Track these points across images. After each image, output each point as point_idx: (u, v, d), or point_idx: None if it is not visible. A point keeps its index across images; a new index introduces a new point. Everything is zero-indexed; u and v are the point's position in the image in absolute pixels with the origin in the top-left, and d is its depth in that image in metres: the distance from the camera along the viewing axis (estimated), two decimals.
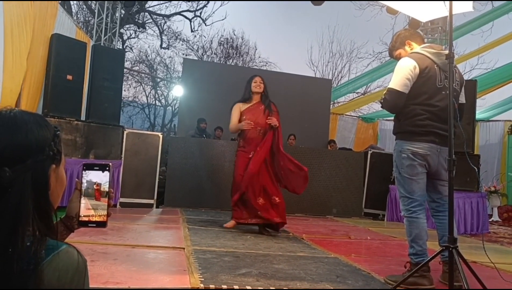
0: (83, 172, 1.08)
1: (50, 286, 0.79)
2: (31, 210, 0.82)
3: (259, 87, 4.53)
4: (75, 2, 15.48)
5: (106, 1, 9.32)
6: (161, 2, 17.17)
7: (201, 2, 17.23)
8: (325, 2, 9.30)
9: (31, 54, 5.45)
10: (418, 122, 2.72)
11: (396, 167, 2.86)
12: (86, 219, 1.07)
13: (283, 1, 18.60)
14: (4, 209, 0.79)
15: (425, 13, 3.15)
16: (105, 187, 1.08)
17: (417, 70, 2.70)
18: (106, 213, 1.08)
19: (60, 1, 6.37)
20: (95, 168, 1.08)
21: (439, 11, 2.80)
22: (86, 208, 1.07)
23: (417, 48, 2.88)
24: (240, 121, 4.52)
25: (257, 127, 4.46)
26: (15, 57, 5.12)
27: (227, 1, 17.75)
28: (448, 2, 2.51)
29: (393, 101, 2.78)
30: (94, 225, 1.08)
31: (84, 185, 1.07)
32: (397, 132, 2.87)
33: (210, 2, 17.48)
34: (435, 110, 2.71)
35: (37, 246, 0.80)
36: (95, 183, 1.07)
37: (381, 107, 2.96)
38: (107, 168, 1.09)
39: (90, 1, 14.09)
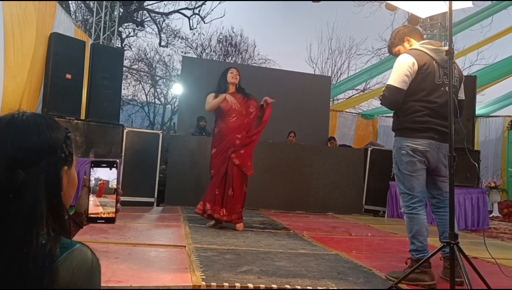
0: (91, 169, 1.09)
1: (64, 283, 0.81)
2: (45, 211, 0.84)
3: (235, 78, 4.54)
4: (73, 1, 15.45)
5: (104, 0, 9.29)
6: (160, 0, 17.14)
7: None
8: None
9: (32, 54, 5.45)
10: (417, 119, 2.72)
11: (395, 163, 2.86)
12: (94, 215, 1.10)
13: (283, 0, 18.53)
14: (19, 211, 0.81)
15: (425, 9, 3.14)
16: (113, 184, 1.10)
17: (416, 66, 2.70)
18: (114, 209, 1.10)
19: (58, 0, 6.35)
20: (103, 165, 1.10)
21: (439, 7, 2.80)
22: (95, 205, 1.09)
23: (416, 44, 2.88)
24: (217, 111, 4.48)
25: (232, 114, 4.43)
26: (16, 57, 5.11)
27: None
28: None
29: (391, 98, 2.79)
30: (103, 221, 1.10)
31: (92, 182, 1.09)
32: (396, 128, 2.87)
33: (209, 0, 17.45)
34: (434, 106, 2.71)
35: (52, 245, 0.82)
36: (102, 179, 1.08)
37: (380, 103, 2.96)
38: (115, 165, 1.10)
39: (88, 0, 14.06)
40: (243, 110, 4.48)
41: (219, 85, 4.56)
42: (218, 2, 17.78)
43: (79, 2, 15.64)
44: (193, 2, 17.28)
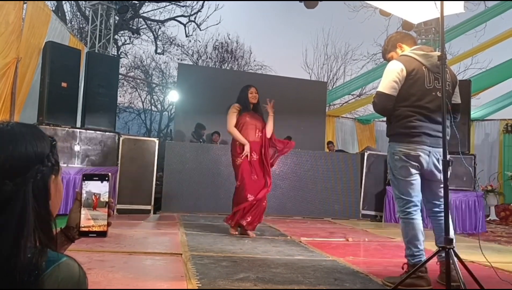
0: (83, 182, 1.09)
1: None
2: (33, 221, 0.83)
3: (255, 99, 4.64)
4: (69, 9, 15.49)
5: (100, 7, 9.32)
6: (155, 7, 17.19)
7: (195, 7, 17.25)
8: (319, 4, 9.32)
9: (21, 62, 5.47)
10: (408, 124, 2.74)
11: (390, 169, 2.87)
12: (86, 229, 1.09)
13: (277, 1, 18.56)
14: (7, 221, 0.80)
15: (417, 15, 3.17)
16: (105, 197, 1.09)
17: (404, 72, 2.72)
18: (106, 223, 1.09)
19: (53, 8, 6.39)
20: (94, 178, 1.10)
21: (431, 12, 2.82)
22: (86, 219, 1.08)
23: (407, 50, 2.90)
24: (238, 123, 4.57)
25: (257, 130, 4.57)
26: None
27: (222, 1, 17.72)
28: (439, 3, 2.53)
29: (381, 104, 2.81)
30: (95, 235, 1.09)
31: (84, 195, 1.08)
32: (389, 134, 2.89)
33: (204, 7, 17.51)
34: (425, 111, 2.72)
35: (38, 258, 0.81)
36: (94, 193, 1.08)
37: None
38: (106, 178, 1.10)
39: (84, 9, 14.08)
40: (260, 125, 4.62)
41: (244, 101, 4.62)
42: (214, 8, 17.86)
43: (74, 10, 15.68)
44: (189, 10, 17.36)
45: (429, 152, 2.74)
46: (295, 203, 6.91)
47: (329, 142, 10.48)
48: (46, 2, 6.23)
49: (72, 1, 15.07)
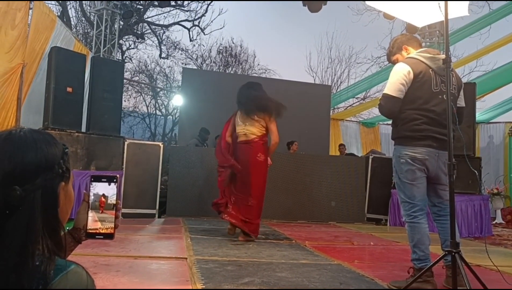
0: (91, 184, 1.09)
1: None
2: (41, 228, 0.83)
3: None
4: (74, 15, 15.59)
5: (104, 12, 9.38)
6: (160, 12, 17.29)
7: (199, 11, 17.34)
8: (323, 7, 9.32)
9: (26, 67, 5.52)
10: (414, 127, 2.73)
11: (395, 172, 2.86)
12: (93, 231, 1.09)
13: (279, 1, 18.62)
14: (14, 228, 0.80)
15: (421, 18, 3.16)
16: (112, 199, 1.09)
17: (411, 75, 2.71)
18: (113, 225, 1.10)
19: (58, 14, 6.45)
20: (103, 180, 1.10)
21: (435, 16, 2.81)
22: (94, 220, 1.09)
23: (413, 52, 2.89)
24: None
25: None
26: None
27: (226, 1, 17.76)
28: (443, 6, 2.52)
29: (388, 107, 2.80)
30: (102, 237, 1.09)
31: (92, 197, 1.08)
32: (395, 137, 2.87)
33: (208, 11, 17.58)
34: (432, 114, 2.71)
35: (46, 266, 0.80)
36: (102, 195, 1.08)
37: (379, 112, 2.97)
38: (114, 180, 1.10)
39: (89, 14, 14.17)
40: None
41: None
42: (218, 13, 17.96)
43: (79, 15, 15.79)
44: (193, 14, 17.44)
45: (436, 155, 2.73)
46: (300, 207, 6.89)
47: (341, 145, 10.47)
48: (51, 7, 6.27)
49: (77, 4, 15.15)
